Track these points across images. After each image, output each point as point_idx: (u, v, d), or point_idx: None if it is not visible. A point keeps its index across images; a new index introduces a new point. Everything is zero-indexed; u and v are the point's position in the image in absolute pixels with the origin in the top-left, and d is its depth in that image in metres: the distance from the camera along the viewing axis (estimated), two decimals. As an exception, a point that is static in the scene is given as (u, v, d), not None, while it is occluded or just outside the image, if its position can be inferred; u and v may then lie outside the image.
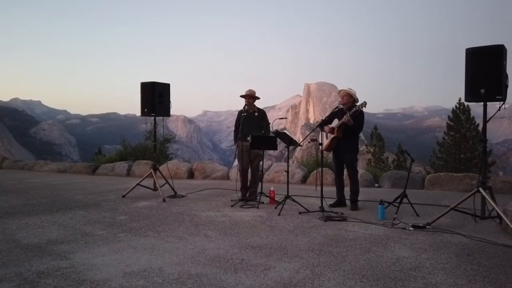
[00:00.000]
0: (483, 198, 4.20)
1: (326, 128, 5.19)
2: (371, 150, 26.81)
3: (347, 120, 4.94)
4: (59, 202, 5.91)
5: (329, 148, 5.23)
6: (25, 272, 2.86)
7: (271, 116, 6.01)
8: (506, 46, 4.03)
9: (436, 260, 3.11)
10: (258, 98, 5.94)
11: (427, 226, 4.12)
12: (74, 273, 2.84)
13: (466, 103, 24.44)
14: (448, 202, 5.31)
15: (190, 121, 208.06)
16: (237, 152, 5.96)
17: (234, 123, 6.11)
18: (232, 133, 6.17)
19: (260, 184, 5.82)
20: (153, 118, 6.58)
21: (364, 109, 5.06)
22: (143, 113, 6.32)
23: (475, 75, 4.06)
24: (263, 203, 5.60)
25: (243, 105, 5.87)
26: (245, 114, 5.82)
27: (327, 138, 5.21)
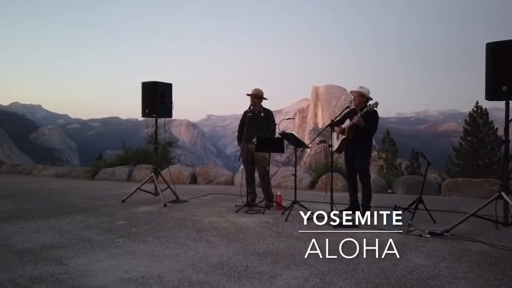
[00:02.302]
0: (506, 203, 4.08)
1: (336, 128, 5.11)
2: (383, 155, 26.63)
3: (358, 121, 4.85)
4: (57, 206, 5.90)
5: (339, 149, 5.14)
6: (18, 278, 2.83)
7: (278, 120, 5.93)
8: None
9: (456, 269, 3.01)
10: (265, 99, 5.87)
11: (445, 233, 4.00)
12: (69, 279, 2.80)
13: (484, 107, 24.20)
14: (467, 208, 5.18)
15: (193, 125, 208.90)
16: (241, 155, 5.88)
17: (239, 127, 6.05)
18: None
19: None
20: (154, 119, 6.58)
21: (377, 110, 4.97)
22: (144, 114, 6.31)
23: (496, 72, 3.96)
24: (269, 208, 5.53)
25: (249, 105, 5.81)
26: (250, 114, 5.76)
27: (337, 139, 5.13)
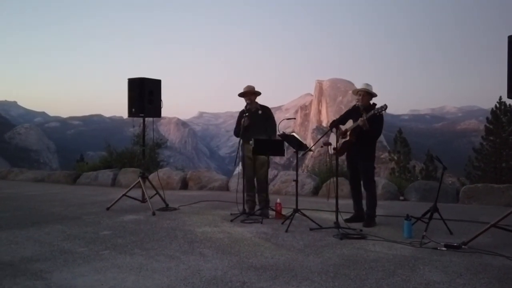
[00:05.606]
0: (529, 212, 4.11)
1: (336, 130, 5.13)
2: (395, 157, 26.64)
3: (363, 124, 4.90)
4: (35, 215, 5.94)
5: (340, 152, 5.16)
6: (-7, 295, 2.86)
7: (277, 118, 5.98)
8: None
9: (474, 286, 3.04)
10: (259, 93, 5.95)
11: (463, 246, 4.04)
12: (49, 296, 2.83)
13: (508, 103, 24.16)
14: (488, 218, 5.23)
15: (184, 124, 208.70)
16: (239, 157, 5.90)
17: (234, 126, 6.11)
18: (232, 137, 6.13)
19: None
20: (141, 119, 6.62)
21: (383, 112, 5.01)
22: (130, 113, 6.35)
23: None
24: (267, 217, 5.57)
25: (245, 104, 5.86)
26: (247, 114, 5.81)
27: (337, 141, 5.15)
